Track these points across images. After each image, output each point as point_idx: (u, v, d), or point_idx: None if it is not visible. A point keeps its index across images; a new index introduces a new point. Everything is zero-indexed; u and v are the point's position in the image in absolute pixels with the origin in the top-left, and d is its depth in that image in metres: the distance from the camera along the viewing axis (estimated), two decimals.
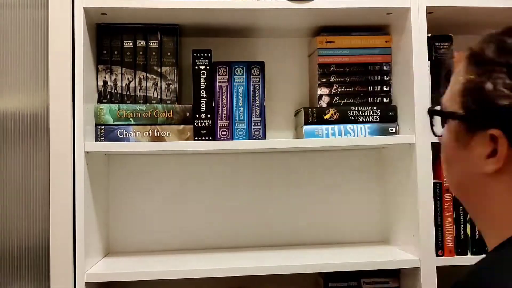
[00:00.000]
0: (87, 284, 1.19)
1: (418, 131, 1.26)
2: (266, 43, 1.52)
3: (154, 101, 1.32)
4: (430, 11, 1.30)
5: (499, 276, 0.55)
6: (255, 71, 1.35)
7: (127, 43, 1.33)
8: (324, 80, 1.38)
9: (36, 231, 1.22)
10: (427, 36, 1.29)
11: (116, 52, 1.33)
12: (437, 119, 0.73)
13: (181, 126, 1.30)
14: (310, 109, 1.34)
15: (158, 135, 1.28)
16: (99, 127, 1.28)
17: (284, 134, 1.50)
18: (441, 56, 1.32)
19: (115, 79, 1.32)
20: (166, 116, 1.29)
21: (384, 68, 1.39)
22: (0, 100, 1.23)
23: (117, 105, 1.29)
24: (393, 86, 1.40)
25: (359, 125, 1.33)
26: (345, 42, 1.39)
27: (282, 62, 1.43)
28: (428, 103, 1.28)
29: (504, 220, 0.64)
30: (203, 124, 1.31)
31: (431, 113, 0.74)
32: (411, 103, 1.28)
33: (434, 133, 0.74)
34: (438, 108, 0.72)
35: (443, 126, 0.72)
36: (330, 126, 1.32)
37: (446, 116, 0.70)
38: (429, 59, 1.30)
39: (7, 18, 1.24)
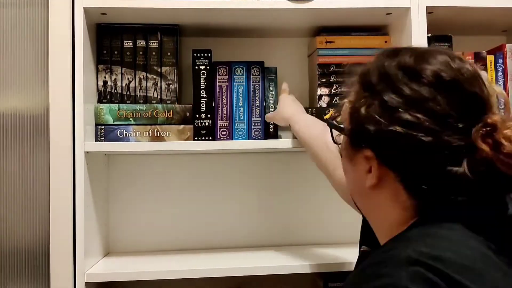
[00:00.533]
0: (87, 284, 1.19)
1: None
2: (266, 43, 1.52)
3: (154, 101, 1.32)
4: (430, 11, 1.30)
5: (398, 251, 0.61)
6: (255, 71, 1.35)
7: (127, 43, 1.33)
8: (324, 80, 1.38)
9: (36, 231, 1.22)
10: (427, 36, 1.29)
11: (116, 52, 1.33)
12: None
13: (181, 126, 1.30)
14: (310, 109, 1.34)
15: (158, 135, 1.29)
16: (99, 127, 1.28)
17: (284, 134, 1.50)
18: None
19: (115, 79, 1.32)
20: (166, 116, 1.30)
21: None
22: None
23: (117, 105, 1.29)
24: None
25: None
26: (345, 42, 1.39)
27: (282, 62, 1.43)
28: None
29: (389, 226, 0.70)
30: (203, 124, 1.31)
31: (329, 123, 0.81)
32: None
33: (334, 141, 0.81)
34: (337, 118, 0.80)
35: (333, 136, 0.81)
36: None
37: (337, 129, 0.77)
38: None
39: (7, 17, 1.24)
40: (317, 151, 1.12)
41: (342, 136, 0.77)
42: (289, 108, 1.25)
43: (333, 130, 0.80)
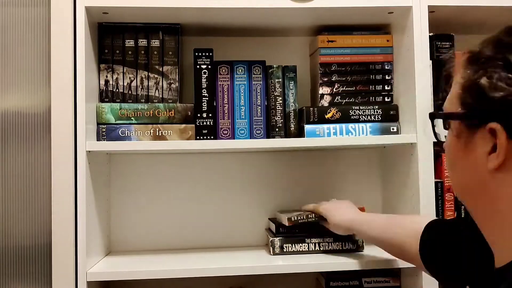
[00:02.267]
0: (88, 283, 1.19)
1: (419, 130, 1.26)
2: (268, 42, 1.52)
3: (156, 100, 1.32)
4: (432, 10, 1.29)
5: None
6: (257, 70, 1.35)
7: (128, 42, 1.33)
8: (325, 79, 1.38)
9: (38, 230, 1.22)
10: (429, 35, 1.29)
11: (117, 51, 1.33)
12: (441, 124, 0.72)
13: (183, 125, 1.30)
14: (311, 109, 1.34)
15: (160, 134, 1.29)
16: (100, 126, 1.28)
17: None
18: (442, 57, 1.32)
19: (116, 78, 1.32)
20: (168, 115, 1.30)
21: (386, 67, 1.39)
22: (1, 99, 1.24)
23: (118, 104, 1.29)
24: (395, 85, 1.40)
25: (361, 124, 1.33)
26: (346, 41, 1.38)
27: (284, 61, 1.43)
28: (429, 103, 1.28)
29: None
30: (205, 123, 1.31)
31: (432, 116, 0.74)
32: (413, 102, 1.28)
33: (437, 138, 0.74)
34: (439, 111, 0.72)
35: (446, 129, 0.71)
36: (331, 126, 1.32)
37: (445, 117, 0.70)
38: (430, 59, 1.30)
39: (8, 16, 1.24)
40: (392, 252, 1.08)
41: (452, 125, 0.69)
42: (345, 214, 1.21)
43: (439, 122, 0.72)
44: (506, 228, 0.62)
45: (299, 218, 1.30)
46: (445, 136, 0.72)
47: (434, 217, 1.03)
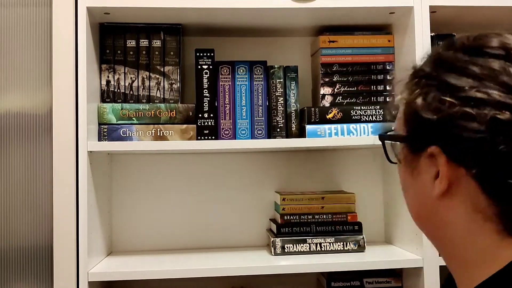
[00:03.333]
0: (90, 283, 1.19)
1: None
2: (269, 43, 1.52)
3: (157, 101, 1.33)
4: (433, 10, 1.29)
5: None
6: (258, 71, 1.35)
7: (130, 42, 1.33)
8: (327, 79, 1.38)
9: (39, 230, 1.23)
10: (430, 36, 1.28)
11: (119, 52, 1.33)
12: (395, 146, 0.66)
13: (184, 126, 1.30)
14: (312, 109, 1.34)
15: (161, 135, 1.29)
16: (102, 126, 1.28)
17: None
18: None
19: (118, 78, 1.33)
20: (169, 115, 1.30)
21: (387, 68, 1.39)
22: (3, 99, 1.24)
23: (120, 104, 1.29)
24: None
25: (362, 125, 1.33)
26: (348, 41, 1.38)
27: (285, 62, 1.43)
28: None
29: (468, 256, 0.56)
30: (206, 123, 1.31)
31: (382, 138, 0.67)
32: None
33: (389, 160, 0.68)
34: (389, 132, 0.66)
35: (386, 150, 0.67)
36: (333, 126, 1.32)
37: (390, 139, 0.65)
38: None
39: (10, 17, 1.24)
40: None
41: (399, 149, 0.64)
42: None
43: (389, 145, 0.67)
44: (460, 256, 0.58)
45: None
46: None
47: None
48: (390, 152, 0.66)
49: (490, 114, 0.51)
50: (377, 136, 0.67)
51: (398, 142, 0.63)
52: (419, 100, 0.57)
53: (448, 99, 0.54)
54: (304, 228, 1.34)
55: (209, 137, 1.31)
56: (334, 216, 1.36)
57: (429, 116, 0.55)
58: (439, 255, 0.64)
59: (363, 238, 1.35)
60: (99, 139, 1.28)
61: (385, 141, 0.66)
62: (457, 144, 0.54)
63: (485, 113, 0.51)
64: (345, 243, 1.34)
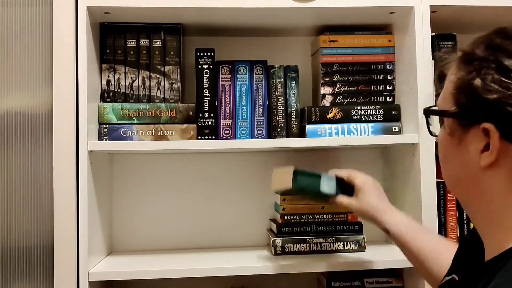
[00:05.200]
0: (90, 283, 1.19)
1: (421, 130, 1.26)
2: (269, 42, 1.52)
3: (158, 100, 1.33)
4: (433, 10, 1.29)
5: None
6: (258, 70, 1.35)
7: (130, 42, 1.33)
8: (327, 79, 1.38)
9: (40, 229, 1.23)
10: (431, 35, 1.28)
11: (119, 51, 1.33)
12: (436, 119, 0.75)
13: (184, 125, 1.30)
14: (313, 108, 1.33)
15: (161, 134, 1.29)
16: (102, 126, 1.28)
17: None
18: (435, 54, 1.32)
19: (118, 78, 1.33)
20: (169, 115, 1.30)
21: (388, 67, 1.39)
22: (3, 99, 1.24)
23: (120, 104, 1.29)
24: (397, 85, 1.39)
25: (362, 124, 1.33)
26: (348, 41, 1.38)
27: (285, 61, 1.43)
28: (432, 102, 1.28)
29: (503, 221, 0.64)
30: (206, 123, 1.31)
31: (427, 112, 0.76)
32: (415, 102, 1.28)
33: (431, 133, 0.77)
34: (434, 107, 0.74)
35: (441, 126, 0.74)
36: (333, 125, 1.32)
37: (440, 114, 0.73)
38: (432, 58, 1.29)
39: (11, 16, 1.25)
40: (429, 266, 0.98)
41: (446, 122, 0.71)
42: (375, 199, 1.10)
43: (434, 118, 0.75)
44: (495, 220, 0.66)
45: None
46: (439, 130, 0.75)
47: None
48: (435, 125, 0.75)
49: None
50: (423, 109, 0.75)
51: (446, 117, 0.70)
52: (477, 81, 0.63)
53: (507, 80, 0.61)
54: (304, 228, 1.34)
55: (210, 137, 1.31)
56: (334, 216, 1.36)
57: (488, 96, 0.62)
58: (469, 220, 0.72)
59: (363, 238, 1.35)
60: (100, 139, 1.28)
61: (430, 115, 0.75)
62: (510, 124, 0.61)
63: None
64: (345, 243, 1.34)
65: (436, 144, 1.25)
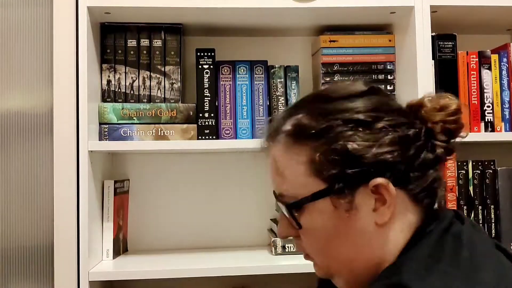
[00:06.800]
0: (90, 283, 1.19)
1: None
2: (270, 42, 1.52)
3: (158, 100, 1.33)
4: (434, 10, 1.29)
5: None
6: (259, 70, 1.35)
7: (131, 42, 1.33)
8: (327, 79, 1.38)
9: (40, 229, 1.23)
10: (431, 35, 1.28)
11: (120, 51, 1.33)
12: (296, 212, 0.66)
13: (185, 125, 1.30)
14: None
15: (162, 134, 1.29)
16: (103, 126, 1.28)
17: None
18: (445, 56, 1.32)
19: (119, 78, 1.33)
20: (170, 115, 1.30)
21: (388, 67, 1.39)
22: (4, 99, 1.24)
23: (121, 104, 1.29)
24: (397, 85, 1.39)
25: None
26: (348, 41, 1.38)
27: (286, 61, 1.43)
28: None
29: (392, 257, 0.64)
30: (207, 123, 1.31)
31: (290, 207, 0.66)
32: None
33: (299, 226, 0.66)
34: (287, 201, 0.67)
35: (297, 218, 0.66)
36: None
37: (313, 199, 0.64)
38: (433, 58, 1.30)
39: (11, 17, 1.25)
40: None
41: (306, 212, 0.65)
42: None
43: (298, 210, 0.66)
44: (386, 263, 0.64)
45: None
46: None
47: None
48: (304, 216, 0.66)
49: (402, 132, 0.63)
50: (285, 208, 0.67)
51: (322, 198, 0.64)
52: (344, 145, 0.62)
53: (370, 134, 0.62)
54: None
55: (210, 137, 1.31)
56: None
57: (366, 154, 0.61)
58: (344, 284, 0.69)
59: None
60: (100, 139, 1.28)
61: (295, 208, 0.66)
62: (394, 167, 0.62)
63: (401, 134, 0.63)
64: None
65: None
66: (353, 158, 0.62)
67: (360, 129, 0.63)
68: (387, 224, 0.63)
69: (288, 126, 0.67)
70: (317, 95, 0.72)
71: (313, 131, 0.64)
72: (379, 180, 0.61)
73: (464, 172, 1.32)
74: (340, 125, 0.63)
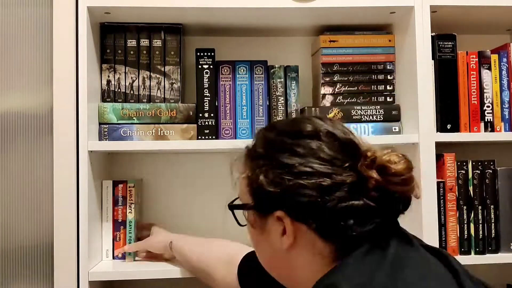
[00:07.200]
0: (90, 283, 1.19)
1: (421, 130, 1.26)
2: (270, 42, 1.52)
3: (158, 100, 1.33)
4: (434, 10, 1.29)
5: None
6: (258, 70, 1.35)
7: (130, 42, 1.33)
8: (327, 79, 1.38)
9: (40, 229, 1.23)
10: (431, 35, 1.28)
11: (119, 51, 1.33)
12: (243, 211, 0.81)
13: (185, 125, 1.30)
14: (313, 108, 1.33)
15: (162, 134, 1.29)
16: (102, 126, 1.28)
17: None
18: (445, 56, 1.32)
19: (118, 78, 1.33)
20: (170, 115, 1.30)
21: (388, 67, 1.39)
22: (3, 99, 1.24)
23: (120, 104, 1.29)
24: (397, 85, 1.39)
25: (363, 124, 1.33)
26: (348, 41, 1.38)
27: (285, 61, 1.43)
28: (432, 103, 1.28)
29: (313, 279, 0.70)
30: (207, 123, 1.31)
31: (231, 207, 0.82)
32: (415, 102, 1.28)
33: (238, 223, 0.83)
34: (237, 202, 0.82)
35: (236, 216, 0.82)
36: None
37: (241, 208, 0.80)
38: (432, 58, 1.30)
39: (11, 17, 1.25)
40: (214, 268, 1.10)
41: (247, 215, 0.80)
42: (165, 232, 1.31)
43: (237, 211, 0.82)
44: (304, 285, 0.73)
45: None
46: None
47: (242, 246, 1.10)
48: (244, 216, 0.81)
49: (317, 182, 0.69)
50: (228, 205, 0.83)
51: (247, 210, 0.78)
52: (261, 177, 0.73)
53: (285, 176, 0.70)
54: None
55: (210, 137, 1.31)
56: None
57: (272, 189, 0.71)
58: None
59: None
60: (100, 139, 1.28)
61: (234, 210, 0.82)
62: (297, 208, 0.71)
63: (313, 182, 0.69)
64: None
65: (436, 143, 1.26)
66: (263, 189, 0.73)
67: (279, 169, 0.72)
68: (294, 250, 0.72)
69: (250, 144, 0.80)
70: (274, 124, 0.82)
71: (253, 154, 0.77)
72: (279, 213, 0.72)
73: (463, 172, 1.32)
74: (270, 159, 0.73)
